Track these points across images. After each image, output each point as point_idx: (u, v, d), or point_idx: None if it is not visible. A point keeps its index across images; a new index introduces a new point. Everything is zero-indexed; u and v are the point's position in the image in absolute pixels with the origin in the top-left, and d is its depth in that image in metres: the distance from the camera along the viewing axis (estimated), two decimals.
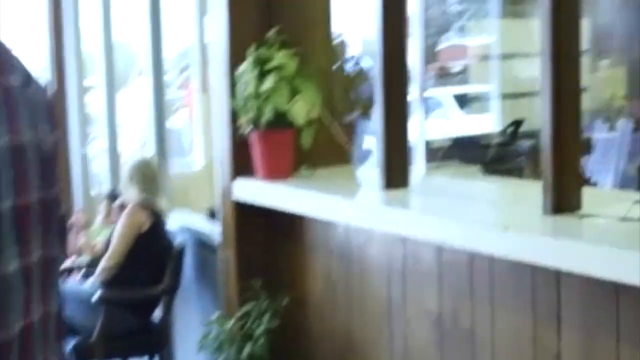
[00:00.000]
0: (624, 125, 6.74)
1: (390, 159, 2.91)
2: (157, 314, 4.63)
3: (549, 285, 2.26)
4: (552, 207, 2.26)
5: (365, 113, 3.56)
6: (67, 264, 5.40)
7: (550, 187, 2.26)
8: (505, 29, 7.41)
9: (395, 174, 2.92)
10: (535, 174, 5.43)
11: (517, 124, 5.34)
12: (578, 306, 2.20)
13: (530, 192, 2.82)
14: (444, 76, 10.53)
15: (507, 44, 7.34)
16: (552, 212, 2.26)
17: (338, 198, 2.96)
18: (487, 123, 7.40)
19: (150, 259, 4.61)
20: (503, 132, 5.38)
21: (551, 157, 2.25)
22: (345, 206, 2.93)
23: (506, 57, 7.34)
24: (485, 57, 7.71)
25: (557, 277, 2.22)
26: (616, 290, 2.06)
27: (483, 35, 8.18)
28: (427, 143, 4.66)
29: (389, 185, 2.90)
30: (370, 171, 3.14)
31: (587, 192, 2.35)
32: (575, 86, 2.28)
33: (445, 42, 10.85)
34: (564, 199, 2.27)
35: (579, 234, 2.12)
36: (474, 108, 9.48)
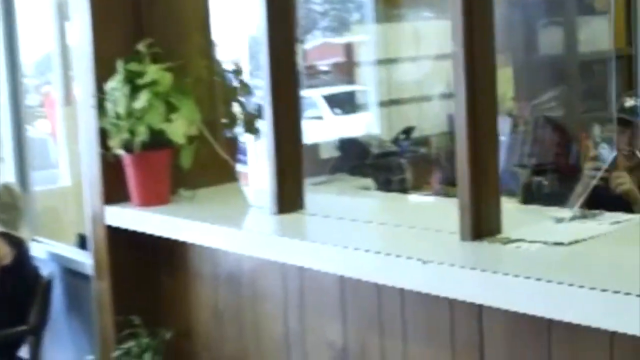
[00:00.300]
0: (502, 123, 6.66)
1: (282, 180, 2.63)
2: (24, 354, 4.21)
3: (470, 319, 2.02)
4: (471, 233, 2.02)
5: (251, 127, 3.26)
6: None
7: (468, 208, 2.02)
8: (380, 30, 7.25)
9: (289, 196, 2.64)
10: (420, 184, 5.28)
11: (408, 131, 5.14)
12: (504, 342, 1.98)
13: (438, 212, 2.60)
14: (314, 75, 10.38)
15: (383, 44, 7.18)
16: (471, 238, 2.02)
17: (224, 226, 2.66)
18: (363, 125, 7.22)
19: (13, 294, 4.19)
20: (395, 140, 5.17)
21: (469, 175, 2.01)
22: (233, 235, 2.63)
23: (382, 60, 7.18)
24: (358, 57, 7.53)
25: (480, 311, 1.99)
26: (548, 326, 1.84)
27: (354, 35, 8.01)
28: (313, 151, 4.38)
29: (281, 210, 2.62)
30: (259, 190, 2.86)
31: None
32: (492, 93, 2.05)
33: (313, 41, 10.69)
34: (484, 221, 2.03)
35: (506, 265, 1.88)
36: (347, 109, 9.31)
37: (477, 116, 2.04)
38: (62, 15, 5.14)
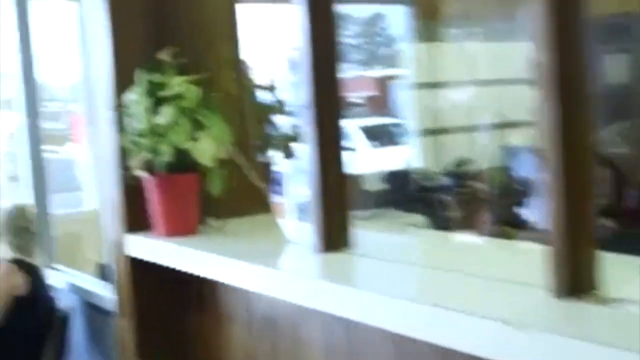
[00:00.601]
0: None
1: (326, 213, 2.24)
2: None
3: None
4: (565, 288, 1.61)
5: (286, 151, 2.89)
6: None
7: (564, 259, 1.61)
8: (420, 58, 6.83)
9: (333, 232, 2.25)
10: (472, 222, 4.82)
11: (460, 164, 4.72)
12: None
13: (510, 258, 2.20)
14: (348, 107, 10.15)
15: (421, 74, 6.78)
16: (565, 295, 1.62)
17: (260, 265, 2.27)
18: (403, 157, 6.82)
19: (27, 329, 3.84)
20: (445, 173, 4.75)
21: (565, 219, 1.61)
22: (269, 275, 2.24)
23: (423, 84, 6.77)
24: (396, 83, 7.13)
25: None
26: None
27: (390, 66, 7.64)
28: (356, 183, 4.01)
29: (325, 248, 2.23)
30: (297, 223, 2.48)
31: None
32: (587, 115, 1.65)
33: (346, 74, 10.44)
34: (580, 275, 1.63)
35: (618, 334, 1.47)
36: (385, 141, 9.00)
37: (572, 145, 1.64)
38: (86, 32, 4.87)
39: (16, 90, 4.76)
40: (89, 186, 5.46)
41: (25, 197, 4.68)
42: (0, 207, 4.22)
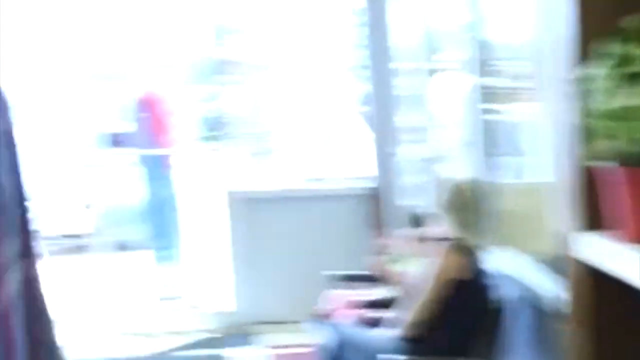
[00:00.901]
0: None
1: None
2: None
3: None
4: None
5: None
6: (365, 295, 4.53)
7: None
8: None
9: None
10: None
11: None
12: None
13: None
14: None
15: None
16: None
17: None
18: None
19: (459, 317, 3.52)
20: None
21: None
22: None
23: None
24: None
25: None
26: None
27: None
28: None
29: None
30: None
31: None
32: None
33: None
34: None
35: None
36: None
37: None
38: None
39: (466, 50, 4.52)
40: (533, 153, 5.02)
41: (475, 164, 4.40)
42: (449, 179, 3.97)
